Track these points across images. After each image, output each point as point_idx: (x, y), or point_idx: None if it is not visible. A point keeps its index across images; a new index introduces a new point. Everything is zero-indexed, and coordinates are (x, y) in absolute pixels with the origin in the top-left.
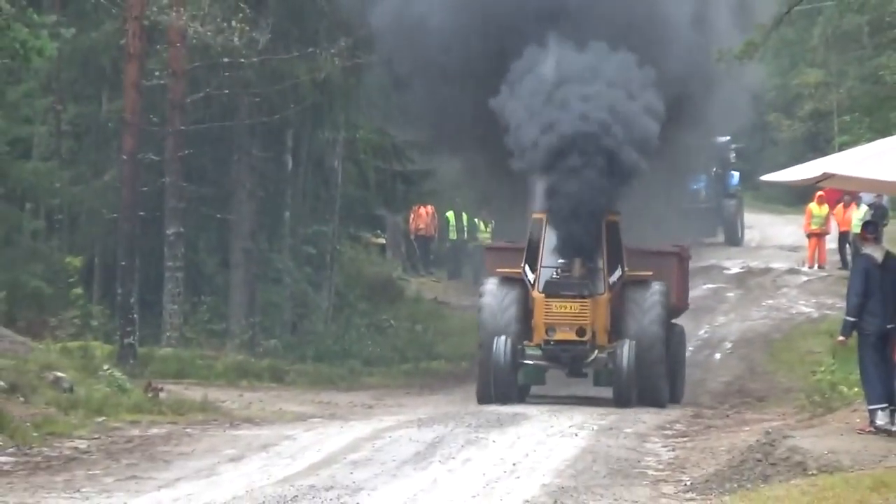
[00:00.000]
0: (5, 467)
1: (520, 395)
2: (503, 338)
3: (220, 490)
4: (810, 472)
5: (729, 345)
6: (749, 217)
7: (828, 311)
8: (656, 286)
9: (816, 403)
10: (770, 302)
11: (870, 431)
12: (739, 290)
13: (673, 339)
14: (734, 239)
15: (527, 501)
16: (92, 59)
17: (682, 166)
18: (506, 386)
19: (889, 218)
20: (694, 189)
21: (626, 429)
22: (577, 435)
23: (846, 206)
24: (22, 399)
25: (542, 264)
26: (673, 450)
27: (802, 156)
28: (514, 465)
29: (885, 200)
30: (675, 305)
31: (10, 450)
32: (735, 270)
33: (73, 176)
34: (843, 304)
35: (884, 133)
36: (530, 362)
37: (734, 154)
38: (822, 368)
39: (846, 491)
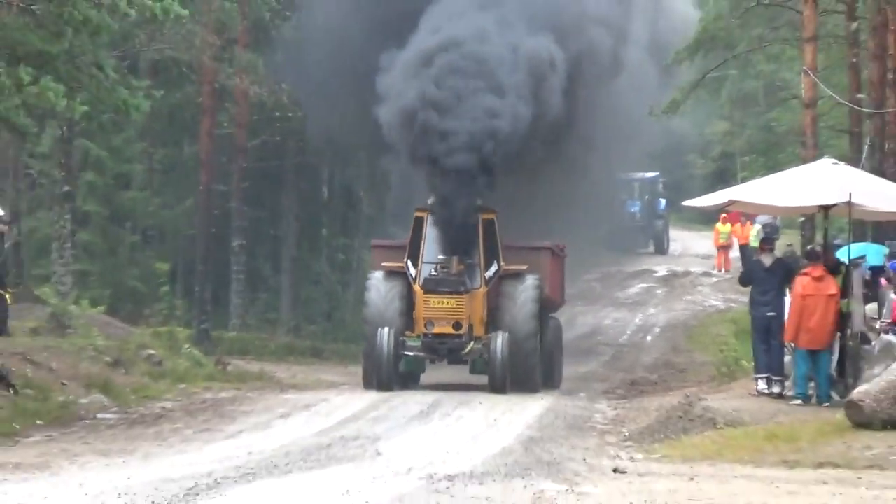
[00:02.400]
0: (110, 422)
1: (403, 381)
2: (386, 330)
3: (273, 440)
4: (719, 426)
5: (658, 329)
6: (673, 233)
7: (732, 304)
8: (530, 279)
9: (724, 374)
10: (689, 297)
11: (757, 395)
12: (666, 289)
13: (548, 330)
14: (661, 250)
15: (504, 447)
16: (176, 113)
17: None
18: (388, 375)
19: (780, 233)
20: (631, 211)
21: (580, 393)
22: (542, 398)
23: (743, 224)
24: (123, 370)
25: (423, 260)
26: (615, 409)
27: (713, 187)
28: (494, 420)
29: (777, 220)
30: (551, 298)
31: (114, 409)
32: (662, 273)
33: (162, 202)
34: (744, 298)
35: (775, 169)
36: (411, 353)
37: (662, 185)
38: (728, 347)
39: (746, 440)
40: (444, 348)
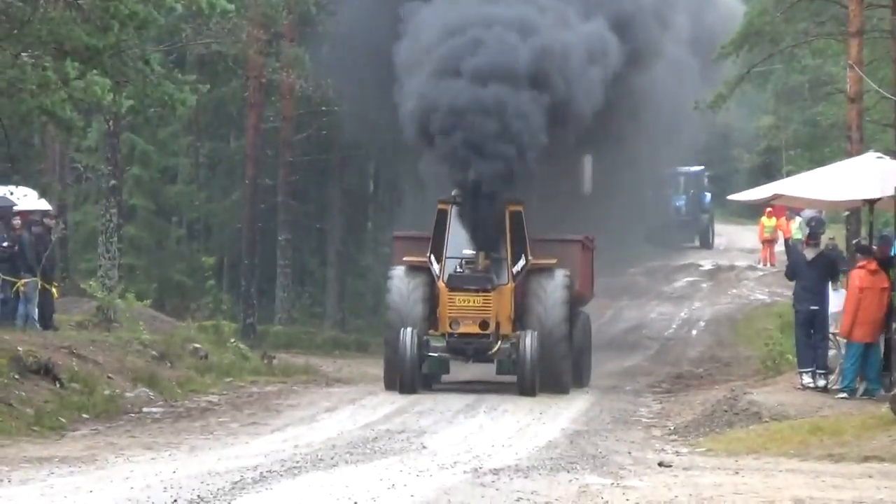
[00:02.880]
0: (156, 416)
1: (426, 382)
2: (409, 330)
3: (319, 433)
4: (764, 420)
5: (703, 323)
6: (718, 227)
7: (777, 298)
8: (560, 275)
9: (769, 367)
10: (734, 291)
11: (802, 388)
12: (711, 283)
13: (577, 326)
14: (707, 244)
15: (550, 441)
16: (222, 108)
17: (655, 187)
18: (411, 377)
19: (825, 227)
20: (676, 206)
21: (625, 387)
22: (587, 392)
23: (789, 219)
24: (169, 364)
25: (447, 255)
26: (660, 403)
27: (758, 181)
28: (540, 414)
29: (822, 214)
30: (580, 293)
31: (160, 403)
32: (707, 267)
33: (208, 196)
34: (789, 292)
35: (820, 163)
36: (435, 354)
37: (707, 179)
38: (773, 341)
39: (791, 433)
40: (471, 348)
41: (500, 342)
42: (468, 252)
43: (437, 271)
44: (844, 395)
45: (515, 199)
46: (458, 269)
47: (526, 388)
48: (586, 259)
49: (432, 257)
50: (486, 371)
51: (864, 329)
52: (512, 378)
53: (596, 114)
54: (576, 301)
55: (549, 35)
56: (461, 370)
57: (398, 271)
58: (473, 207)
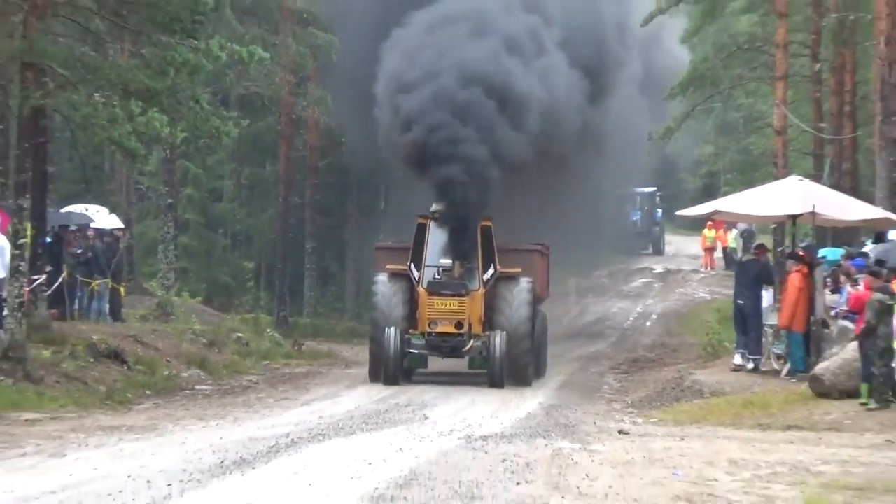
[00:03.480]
0: (206, 392)
1: (406, 375)
2: (393, 329)
3: (340, 406)
4: (705, 396)
5: (655, 316)
6: (668, 237)
7: (716, 296)
8: (524, 282)
9: (709, 353)
10: (681, 290)
11: (734, 369)
12: (661, 283)
13: (537, 324)
14: (658, 251)
15: (529, 413)
16: (259, 139)
17: (616, 204)
18: (395, 370)
19: (755, 238)
20: (633, 220)
21: (591, 369)
22: (560, 373)
23: (725, 231)
24: (217, 350)
25: (426, 263)
26: (620, 382)
27: (700, 200)
28: (521, 391)
29: (753, 227)
30: (539, 295)
31: (209, 382)
32: (659, 270)
33: (248, 211)
34: (727, 291)
35: (751, 185)
36: (415, 350)
37: (658, 198)
38: (712, 331)
39: (727, 407)
40: (447, 346)
41: (472, 341)
42: (445, 261)
43: (417, 278)
44: (794, 379)
45: (486, 216)
46: (437, 276)
47: (495, 381)
48: (544, 265)
49: (412, 266)
50: (458, 365)
51: (801, 321)
52: (481, 371)
53: (562, 143)
54: (536, 303)
55: (524, 75)
56: (435, 364)
57: (382, 277)
58: (450, 224)
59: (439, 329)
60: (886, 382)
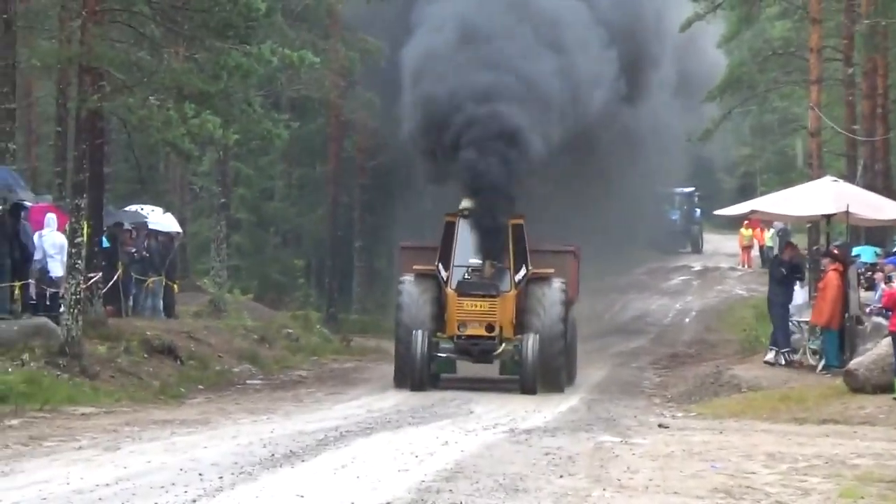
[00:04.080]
0: (257, 387)
1: (433, 381)
2: (420, 332)
3: (387, 401)
4: (743, 390)
5: (694, 313)
6: (706, 236)
7: (753, 293)
8: (557, 283)
9: (746, 349)
10: (719, 287)
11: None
12: (700, 280)
13: (569, 328)
14: (697, 249)
15: (570, 407)
16: (309, 141)
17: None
18: (422, 376)
19: (791, 236)
20: (672, 219)
21: (631, 364)
22: (602, 368)
23: (762, 229)
24: (267, 345)
25: (455, 263)
26: (659, 376)
27: (737, 199)
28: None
29: (788, 226)
30: (571, 298)
31: (260, 376)
32: (697, 268)
33: (298, 211)
34: (763, 288)
35: (787, 185)
36: (443, 355)
37: (696, 198)
38: (749, 328)
39: (764, 401)
40: (477, 350)
41: (503, 344)
42: (474, 261)
43: (446, 278)
44: (828, 374)
45: (517, 213)
46: (466, 277)
47: (527, 387)
48: (575, 267)
49: (440, 265)
50: (487, 371)
51: (835, 318)
52: (514, 378)
53: (601, 141)
54: (568, 307)
55: (566, 62)
56: (464, 370)
57: (408, 278)
58: (481, 220)
59: (469, 332)
60: None
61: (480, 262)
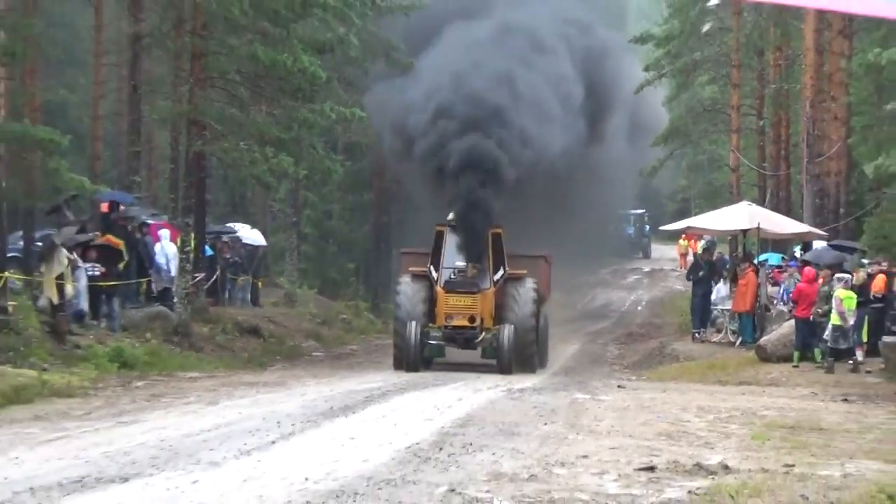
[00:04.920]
0: (320, 358)
1: (426, 364)
2: (413, 323)
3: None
4: (680, 360)
5: (644, 303)
6: (653, 246)
7: (688, 288)
8: (529, 283)
9: (682, 329)
10: (663, 284)
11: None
12: (649, 279)
13: (541, 321)
14: (647, 256)
15: (553, 373)
16: (360, 175)
17: (616, 221)
18: (416, 359)
19: (717, 246)
20: (628, 233)
21: (598, 341)
22: (576, 344)
23: (695, 241)
24: (328, 327)
25: (443, 265)
26: (619, 350)
27: (677, 218)
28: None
29: (714, 238)
30: (542, 296)
31: (322, 350)
32: (647, 270)
33: (350, 228)
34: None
35: (714, 208)
36: (434, 342)
37: (646, 217)
38: (685, 314)
39: (696, 368)
40: (461, 338)
41: (484, 333)
42: (460, 263)
43: (436, 278)
44: (744, 348)
45: (496, 224)
46: (453, 276)
47: (504, 368)
48: (547, 270)
49: (431, 268)
50: (472, 356)
51: (749, 306)
52: (492, 361)
53: (569, 172)
54: (540, 303)
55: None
56: (453, 356)
57: (405, 279)
58: (463, 230)
59: (455, 323)
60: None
61: (464, 264)
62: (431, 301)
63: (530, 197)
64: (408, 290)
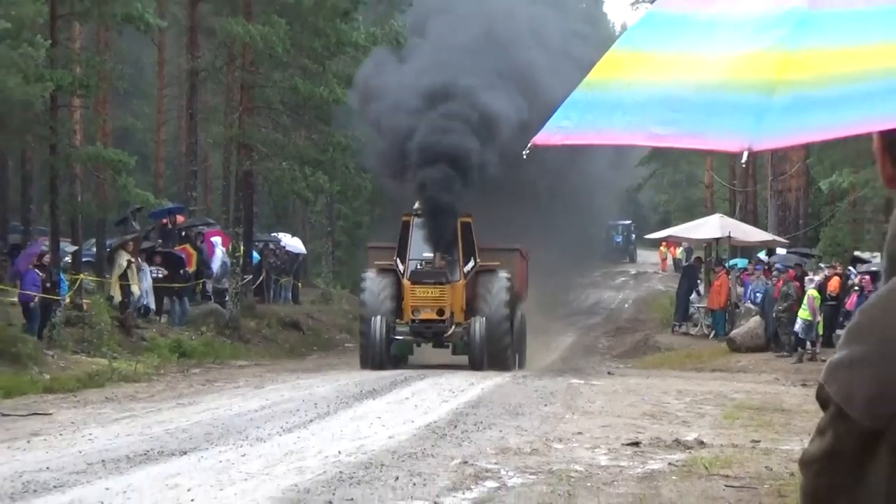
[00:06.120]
0: (352, 349)
1: (395, 363)
2: (379, 318)
3: (434, 359)
4: (662, 350)
5: (630, 301)
6: (639, 252)
7: (668, 288)
8: (502, 274)
9: (665, 323)
10: (646, 284)
11: (673, 332)
12: (634, 280)
13: (517, 320)
14: (633, 260)
15: (551, 362)
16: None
17: (606, 231)
18: (381, 356)
19: (694, 253)
20: (617, 241)
21: (591, 333)
22: (571, 336)
23: (674, 248)
24: (358, 322)
25: (410, 257)
26: (608, 341)
27: (659, 228)
28: (546, 347)
29: (692, 246)
30: (518, 292)
31: (353, 342)
32: (633, 272)
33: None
34: (674, 285)
35: (691, 219)
36: (400, 338)
37: (633, 227)
38: (667, 310)
39: (676, 358)
40: (430, 332)
41: (454, 327)
42: (427, 254)
43: (402, 270)
44: (717, 340)
45: (465, 213)
46: (419, 267)
47: (476, 364)
48: (523, 266)
49: (398, 260)
50: (443, 357)
51: (722, 304)
52: (464, 359)
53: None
54: (515, 298)
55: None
56: (424, 356)
57: (370, 273)
58: (430, 218)
59: (422, 316)
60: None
61: (432, 255)
62: (399, 296)
63: (525, 205)
64: (373, 285)
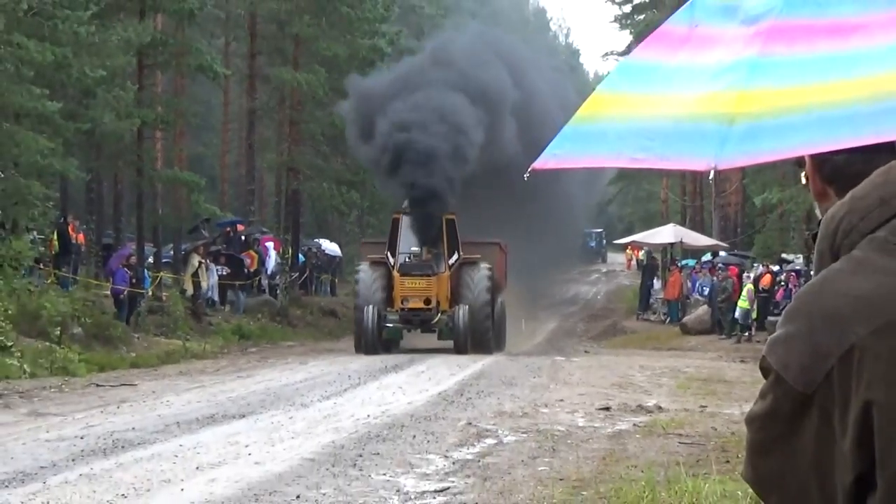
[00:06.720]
0: None
1: (386, 347)
2: (371, 306)
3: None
4: (627, 334)
5: (602, 293)
6: (609, 254)
7: (632, 283)
8: (484, 266)
9: (630, 311)
10: (616, 280)
11: (637, 319)
12: (605, 277)
13: (497, 308)
14: (604, 261)
15: (538, 343)
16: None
17: (581, 236)
18: (373, 342)
19: (653, 254)
20: (591, 245)
21: (571, 320)
22: (555, 322)
23: (637, 251)
24: None
25: (399, 251)
26: (585, 326)
27: (625, 235)
28: (534, 332)
29: (651, 250)
30: (498, 282)
31: None
32: (604, 271)
33: None
34: (637, 281)
35: (650, 228)
36: (391, 325)
37: (604, 233)
38: (630, 301)
39: (639, 339)
40: (417, 319)
41: (440, 314)
42: (415, 249)
43: (392, 263)
44: (672, 325)
45: (450, 211)
46: (408, 260)
47: (460, 348)
48: (502, 259)
49: (388, 254)
50: (429, 342)
51: (676, 295)
52: (450, 343)
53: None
54: (495, 287)
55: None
56: (412, 340)
57: (363, 266)
58: (417, 216)
59: (411, 305)
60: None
61: (419, 249)
62: (389, 287)
63: (510, 209)
64: (365, 276)
